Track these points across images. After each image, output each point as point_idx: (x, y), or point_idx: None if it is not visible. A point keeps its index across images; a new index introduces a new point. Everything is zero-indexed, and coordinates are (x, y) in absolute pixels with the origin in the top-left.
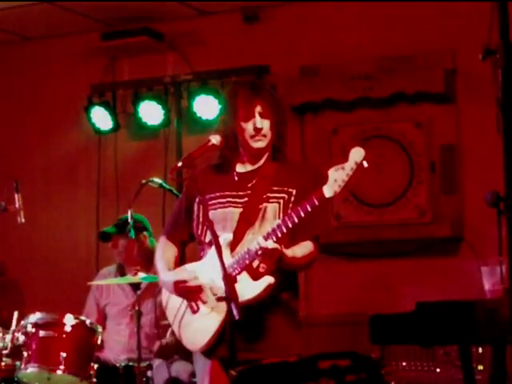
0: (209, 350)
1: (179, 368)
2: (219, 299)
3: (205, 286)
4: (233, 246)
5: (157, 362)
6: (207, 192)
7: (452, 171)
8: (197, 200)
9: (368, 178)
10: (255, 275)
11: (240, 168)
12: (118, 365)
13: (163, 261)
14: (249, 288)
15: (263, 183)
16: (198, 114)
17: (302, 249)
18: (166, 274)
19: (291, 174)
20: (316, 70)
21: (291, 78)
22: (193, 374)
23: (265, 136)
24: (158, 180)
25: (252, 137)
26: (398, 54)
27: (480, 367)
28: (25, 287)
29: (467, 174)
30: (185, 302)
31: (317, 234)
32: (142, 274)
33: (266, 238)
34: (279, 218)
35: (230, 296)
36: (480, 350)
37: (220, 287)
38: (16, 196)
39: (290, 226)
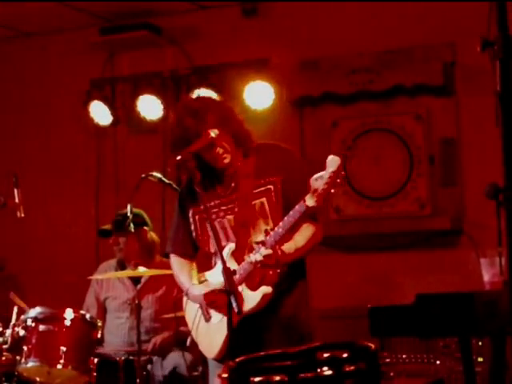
0: (222, 357)
1: (178, 360)
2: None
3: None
4: (237, 254)
5: (156, 357)
6: (197, 205)
7: (451, 164)
8: (191, 212)
9: (368, 171)
10: (253, 286)
11: (219, 175)
12: (118, 359)
13: (184, 275)
14: (248, 299)
15: (247, 182)
16: None
17: (303, 233)
18: (194, 288)
19: (270, 161)
20: (315, 63)
21: (290, 72)
22: (192, 366)
23: (228, 152)
24: (157, 174)
25: (214, 161)
26: (398, 48)
27: (480, 359)
28: (25, 282)
29: (466, 166)
30: (199, 310)
31: (312, 212)
32: (142, 268)
33: (258, 245)
34: (269, 212)
35: (229, 289)
36: (480, 342)
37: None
38: (15, 190)
39: (281, 236)
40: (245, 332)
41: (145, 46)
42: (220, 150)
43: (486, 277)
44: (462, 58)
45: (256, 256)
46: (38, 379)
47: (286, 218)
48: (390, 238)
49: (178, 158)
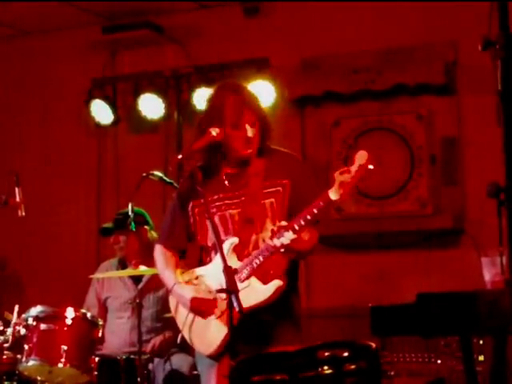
0: (219, 354)
1: (179, 361)
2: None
3: (218, 298)
4: (238, 249)
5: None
6: (198, 199)
7: (453, 163)
8: (190, 205)
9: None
10: (264, 279)
11: (228, 169)
12: (118, 358)
13: (170, 270)
14: (259, 291)
15: (256, 181)
16: (199, 107)
17: (306, 234)
18: (182, 289)
19: (280, 165)
20: (317, 62)
21: (292, 71)
22: (193, 367)
23: (254, 142)
24: (158, 173)
25: (242, 145)
26: (399, 47)
27: (481, 358)
28: (26, 280)
29: (468, 165)
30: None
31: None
32: (143, 267)
33: (277, 235)
34: (277, 213)
35: (231, 288)
36: (481, 341)
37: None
38: (16, 189)
39: (297, 228)
40: (247, 328)
41: (146, 44)
42: (252, 137)
43: (487, 276)
44: (463, 58)
45: (282, 240)
46: (38, 378)
47: (305, 210)
48: (391, 237)
49: (180, 156)
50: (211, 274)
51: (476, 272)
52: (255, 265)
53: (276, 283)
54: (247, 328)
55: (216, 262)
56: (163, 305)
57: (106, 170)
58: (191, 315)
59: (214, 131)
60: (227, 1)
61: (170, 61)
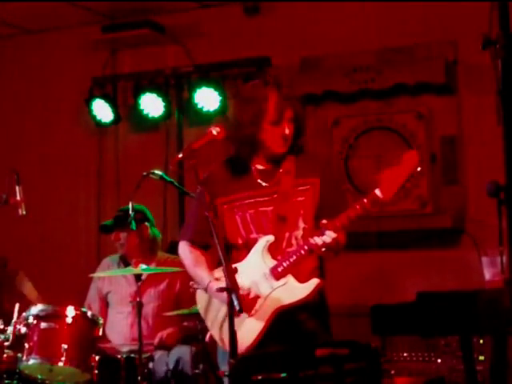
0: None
1: (181, 352)
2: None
3: (260, 294)
4: (272, 247)
5: (158, 354)
6: (230, 193)
7: (453, 162)
8: (219, 201)
9: (369, 169)
10: (301, 278)
11: (259, 166)
12: (119, 356)
13: (202, 269)
14: (297, 290)
15: (288, 178)
16: (199, 106)
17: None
18: (220, 285)
19: (310, 164)
20: (317, 61)
21: (292, 70)
22: (195, 356)
23: (289, 140)
24: (158, 172)
25: (278, 142)
26: (399, 46)
27: (481, 358)
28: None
29: (468, 165)
30: (224, 304)
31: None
32: (143, 266)
33: (320, 233)
34: (308, 211)
35: (231, 287)
36: (481, 340)
37: (262, 288)
38: (17, 188)
39: (340, 227)
40: (283, 326)
41: (146, 43)
42: (288, 134)
43: (487, 276)
44: (463, 56)
45: (324, 238)
46: (39, 377)
47: (349, 210)
48: (391, 236)
49: (180, 155)
50: (244, 272)
51: (476, 271)
52: (290, 263)
53: (315, 281)
54: (283, 326)
55: (250, 260)
56: (164, 300)
57: (106, 168)
58: (222, 313)
59: (215, 130)
60: (228, 0)
61: (170, 60)
